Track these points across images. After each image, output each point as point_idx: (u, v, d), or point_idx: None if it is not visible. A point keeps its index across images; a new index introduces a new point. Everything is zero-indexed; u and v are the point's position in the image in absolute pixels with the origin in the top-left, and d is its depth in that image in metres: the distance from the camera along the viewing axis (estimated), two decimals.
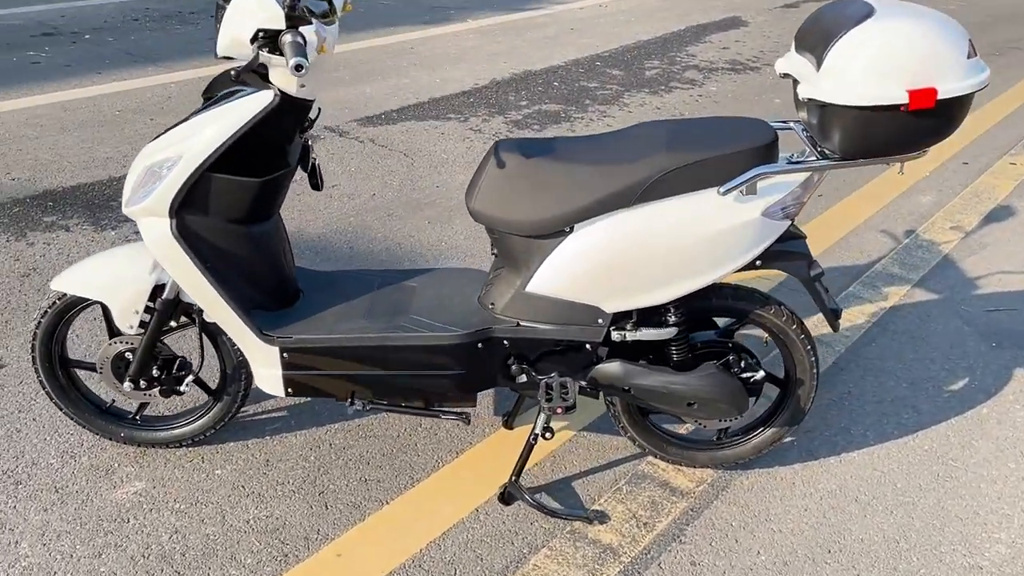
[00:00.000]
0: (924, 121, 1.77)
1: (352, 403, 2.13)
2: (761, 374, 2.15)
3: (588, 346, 2.05)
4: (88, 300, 2.12)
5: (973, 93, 1.76)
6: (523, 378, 2.08)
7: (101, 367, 2.19)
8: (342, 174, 4.24)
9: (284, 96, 1.88)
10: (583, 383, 2.11)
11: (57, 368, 2.23)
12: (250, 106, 1.86)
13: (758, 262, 2.00)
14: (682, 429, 2.48)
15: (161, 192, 1.90)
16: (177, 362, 2.21)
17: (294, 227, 3.66)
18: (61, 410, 2.29)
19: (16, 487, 2.22)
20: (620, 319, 2.04)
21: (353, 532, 2.13)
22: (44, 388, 2.23)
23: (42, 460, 2.31)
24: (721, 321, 2.25)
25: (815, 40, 1.83)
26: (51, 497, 2.19)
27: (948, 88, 1.72)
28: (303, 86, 1.90)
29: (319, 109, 2.12)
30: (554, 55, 6.61)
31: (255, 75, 1.90)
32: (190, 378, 2.20)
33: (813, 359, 2.17)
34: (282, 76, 1.88)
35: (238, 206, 1.94)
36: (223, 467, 2.31)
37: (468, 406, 2.16)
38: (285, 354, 2.05)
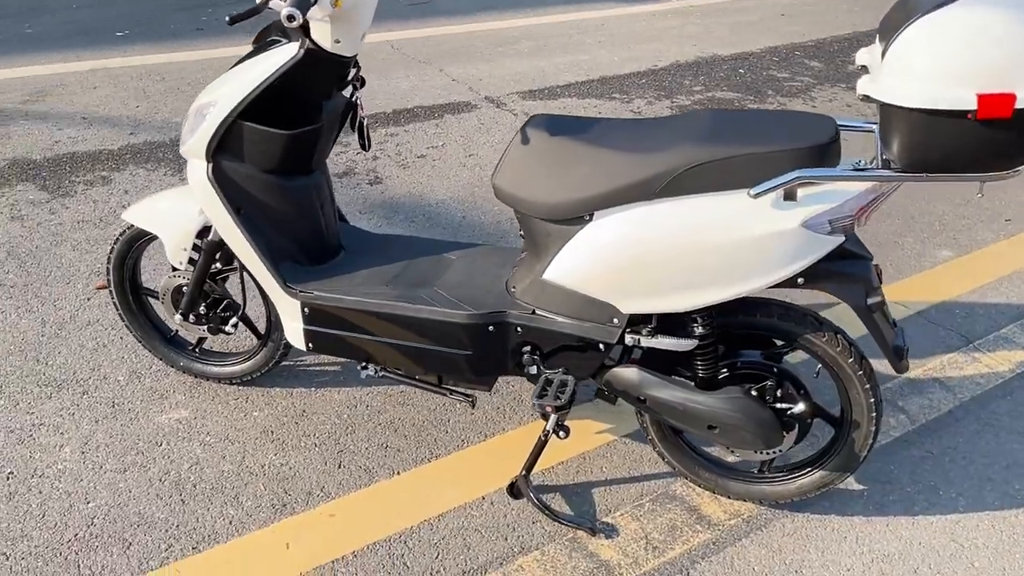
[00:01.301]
0: (1004, 134, 1.44)
1: (366, 367, 2.11)
2: (801, 407, 1.88)
3: (602, 346, 1.89)
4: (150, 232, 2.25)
5: None
6: (533, 369, 1.96)
7: (162, 297, 2.32)
8: (484, 144, 4.23)
9: (318, 51, 1.87)
10: (601, 386, 1.96)
11: (128, 293, 2.38)
12: (276, 59, 1.87)
13: (800, 280, 1.74)
14: (719, 452, 2.24)
15: (200, 135, 1.96)
16: (225, 303, 2.29)
17: (418, 192, 3.70)
18: (131, 332, 2.46)
19: (82, 396, 2.41)
20: (638, 321, 1.86)
21: (355, 495, 2.12)
22: (117, 310, 2.40)
23: (112, 376, 2.49)
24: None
25: (890, 25, 1.54)
26: (106, 411, 2.36)
27: None
28: (338, 41, 1.88)
29: (358, 72, 2.09)
30: (750, 41, 6.21)
31: (300, 28, 1.90)
32: (234, 319, 2.28)
33: (872, 400, 1.88)
34: (319, 30, 1.86)
35: (269, 156, 1.97)
36: (261, 410, 2.38)
37: (482, 389, 2.08)
38: (306, 309, 2.06)
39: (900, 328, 1.85)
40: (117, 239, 2.29)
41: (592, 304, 1.84)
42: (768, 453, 1.98)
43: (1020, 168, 1.51)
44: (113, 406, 2.37)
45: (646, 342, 1.84)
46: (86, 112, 4.41)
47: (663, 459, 2.12)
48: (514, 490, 2.10)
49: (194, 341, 2.45)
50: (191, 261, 2.21)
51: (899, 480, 2.23)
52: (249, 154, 1.97)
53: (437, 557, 1.96)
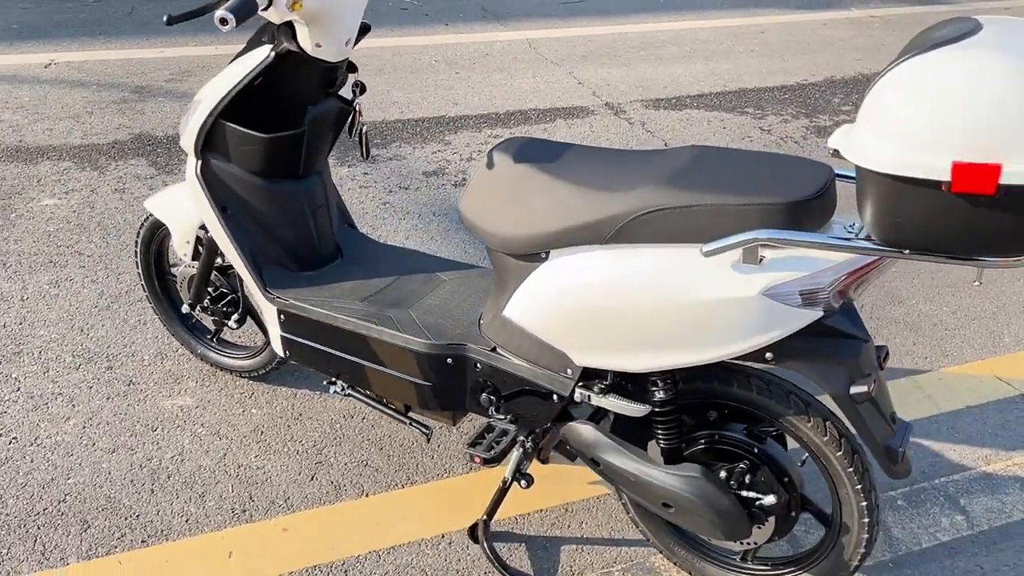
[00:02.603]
0: (988, 213, 1.13)
1: (334, 383, 2.03)
2: (771, 499, 1.61)
3: (555, 397, 1.70)
4: None
5: None
6: (491, 411, 1.81)
7: (179, 284, 2.36)
8: None
9: (298, 54, 1.80)
10: (561, 439, 1.78)
11: (154, 277, 2.44)
12: (251, 60, 1.82)
13: (768, 355, 1.48)
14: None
15: (189, 131, 1.95)
16: (230, 298, 2.29)
17: None
18: (157, 315, 2.52)
19: (105, 371, 2.50)
20: (593, 376, 1.66)
21: (316, 511, 2.06)
22: (144, 292, 2.47)
23: (139, 354, 2.57)
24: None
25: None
26: (121, 388, 2.43)
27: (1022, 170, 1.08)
28: (319, 46, 1.80)
29: (354, 78, 2.00)
30: None
31: (287, 30, 1.84)
32: (236, 315, 2.27)
33: (864, 503, 1.58)
34: (302, 34, 1.80)
35: (252, 158, 1.92)
36: (261, 408, 2.37)
37: (444, 422, 1.95)
38: (282, 315, 2.01)
39: (905, 425, 1.54)
40: (142, 224, 2.35)
41: (547, 350, 1.66)
42: (744, 543, 1.72)
43: (1018, 257, 1.20)
44: (130, 384, 2.44)
45: (596, 400, 1.64)
46: None
47: (637, 527, 1.91)
48: (474, 534, 1.96)
49: (212, 330, 2.47)
50: (196, 254, 2.22)
51: None
52: (235, 154, 1.94)
53: None
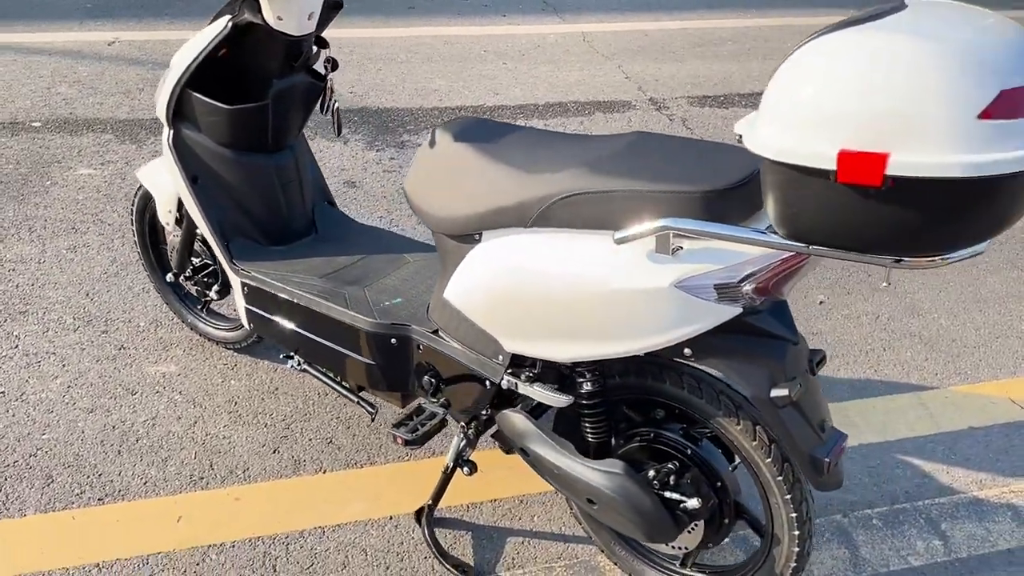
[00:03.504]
0: (878, 206, 1.04)
1: (292, 358, 2.04)
2: (695, 503, 1.54)
3: (488, 383, 1.67)
4: None
5: (984, 180, 0.98)
6: (431, 395, 1.78)
7: (169, 253, 2.40)
8: None
9: (260, 27, 1.81)
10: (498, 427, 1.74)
11: (148, 246, 2.50)
12: (210, 31, 1.84)
13: (687, 351, 1.42)
14: None
15: (160, 100, 1.98)
16: (211, 268, 2.33)
17: None
18: (152, 283, 2.58)
19: (101, 334, 2.57)
20: (521, 363, 1.62)
21: (271, 484, 2.07)
22: (140, 260, 2.53)
23: (135, 320, 2.64)
24: None
25: None
26: (112, 352, 2.49)
27: (912, 161, 0.99)
28: (280, 19, 1.80)
29: (326, 54, 2.00)
30: None
31: (252, 2, 1.85)
32: (216, 286, 2.31)
33: (794, 514, 1.50)
34: (264, 6, 1.81)
35: (219, 130, 1.94)
36: (240, 380, 2.40)
37: (394, 403, 1.93)
38: (245, 287, 2.03)
39: (838, 435, 1.44)
40: (136, 192, 2.40)
41: (481, 335, 1.63)
42: (676, 547, 1.66)
43: (937, 258, 1.10)
44: (120, 348, 2.51)
45: (523, 388, 1.60)
46: None
47: (580, 523, 1.86)
48: (420, 517, 1.94)
49: (200, 300, 2.52)
50: (180, 222, 2.26)
51: None
52: (203, 125, 1.96)
53: (309, 567, 1.86)
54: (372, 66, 4.86)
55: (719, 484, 1.56)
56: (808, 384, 1.41)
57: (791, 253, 1.25)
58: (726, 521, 1.59)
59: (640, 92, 4.67)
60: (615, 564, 1.83)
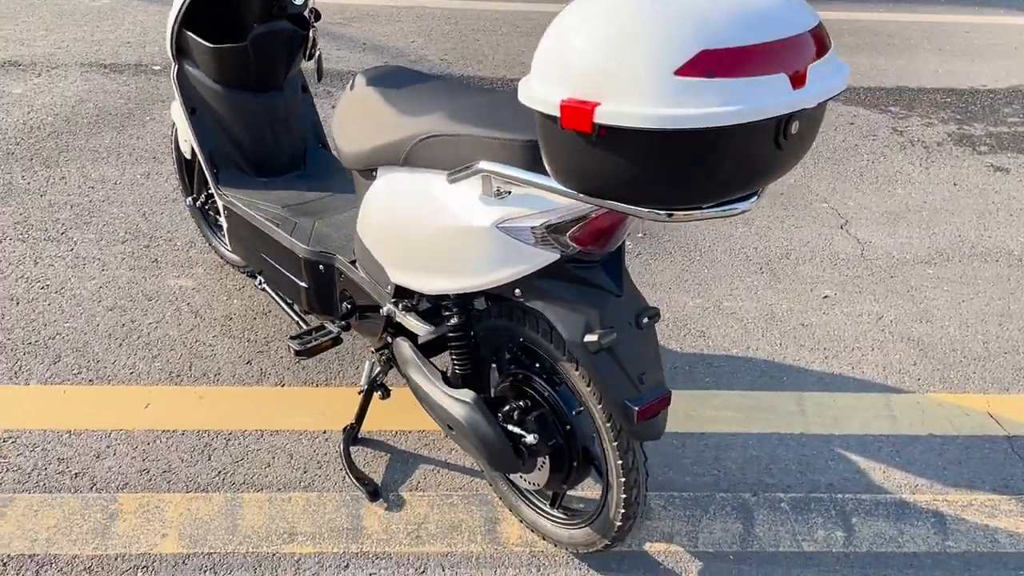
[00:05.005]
0: (605, 156, 1.11)
1: (255, 277, 2.26)
2: (532, 438, 1.63)
3: (382, 311, 1.82)
4: None
5: (681, 134, 1.04)
6: (352, 320, 1.96)
7: (195, 178, 2.70)
8: None
9: None
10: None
11: (183, 173, 2.80)
12: None
13: (516, 292, 1.51)
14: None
15: (166, 37, 2.25)
16: None
17: None
18: (188, 208, 2.90)
19: (144, 248, 2.91)
20: (408, 295, 1.76)
21: (234, 389, 2.31)
22: (179, 185, 2.85)
23: (176, 240, 2.96)
24: None
25: None
26: (146, 264, 2.83)
27: (615, 110, 1.06)
28: None
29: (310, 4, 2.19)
30: None
31: None
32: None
33: (619, 461, 1.56)
34: None
35: (209, 67, 2.18)
36: (242, 300, 2.66)
37: (340, 328, 2.08)
38: (225, 211, 2.27)
39: (660, 389, 1.49)
40: (172, 125, 2.71)
41: (375, 266, 1.79)
42: (530, 483, 1.76)
43: (664, 212, 1.16)
44: (154, 262, 2.84)
45: (399, 317, 1.74)
46: (369, 39, 5.03)
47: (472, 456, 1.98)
48: (345, 432, 2.13)
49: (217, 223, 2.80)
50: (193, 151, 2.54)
51: None
52: (199, 62, 2.21)
53: (237, 460, 2.09)
54: (380, 29, 5.04)
55: (568, 427, 1.65)
56: (632, 337, 1.47)
57: (591, 206, 1.33)
58: (575, 464, 1.67)
59: None
60: (500, 498, 1.95)
